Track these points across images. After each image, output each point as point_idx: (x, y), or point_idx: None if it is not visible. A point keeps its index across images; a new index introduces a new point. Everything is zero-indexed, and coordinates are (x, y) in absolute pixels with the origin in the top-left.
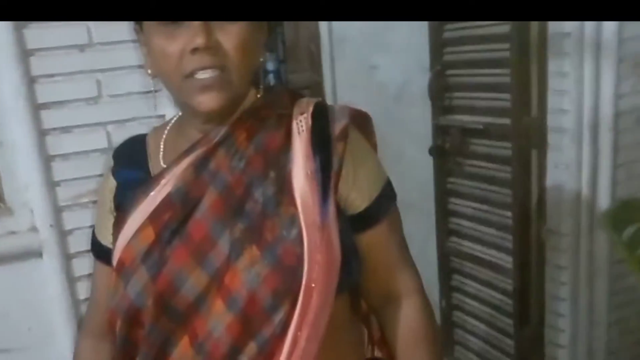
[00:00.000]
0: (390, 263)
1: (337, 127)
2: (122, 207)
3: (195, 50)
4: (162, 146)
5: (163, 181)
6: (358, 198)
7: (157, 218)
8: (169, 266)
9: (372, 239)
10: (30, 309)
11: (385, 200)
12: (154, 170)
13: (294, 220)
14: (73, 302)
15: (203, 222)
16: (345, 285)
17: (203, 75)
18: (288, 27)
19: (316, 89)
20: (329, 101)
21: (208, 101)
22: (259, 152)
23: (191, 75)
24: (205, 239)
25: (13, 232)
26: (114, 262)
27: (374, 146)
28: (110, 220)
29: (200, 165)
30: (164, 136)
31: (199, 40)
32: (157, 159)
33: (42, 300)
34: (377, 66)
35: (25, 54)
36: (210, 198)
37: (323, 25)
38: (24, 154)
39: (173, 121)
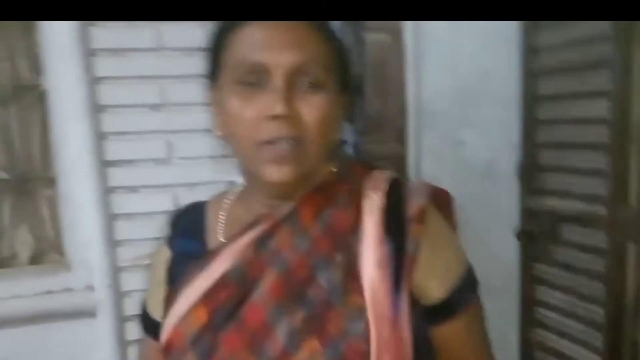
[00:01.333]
0: None
1: (414, 206)
2: (175, 281)
3: (273, 117)
4: (222, 217)
5: (220, 257)
6: (435, 287)
7: (211, 298)
8: (220, 353)
9: (450, 333)
10: None
11: (466, 290)
12: (211, 243)
13: (361, 312)
14: None
15: (260, 307)
16: None
17: (278, 145)
18: (374, 96)
19: (399, 161)
20: (412, 175)
21: (279, 174)
22: (326, 232)
23: (265, 143)
24: (261, 325)
25: (69, 289)
26: (162, 341)
27: (454, 228)
28: (161, 293)
29: (261, 243)
30: (226, 207)
31: (279, 108)
32: (216, 231)
33: None
34: (464, 142)
35: (97, 110)
36: (270, 280)
37: (411, 97)
38: (88, 211)
39: (237, 191)
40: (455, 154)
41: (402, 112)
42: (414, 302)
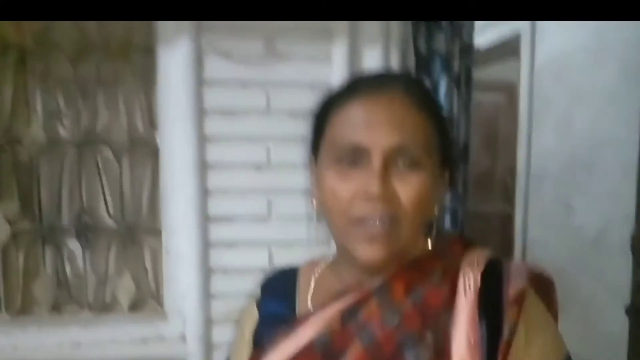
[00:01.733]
0: None
1: (512, 288)
2: (260, 342)
3: (369, 196)
4: (312, 284)
5: (307, 325)
6: None
7: None
8: None
9: None
10: None
11: None
12: (300, 309)
13: None
14: None
15: None
16: None
17: (371, 223)
18: (484, 155)
19: (506, 221)
20: (518, 237)
21: (371, 254)
22: (416, 308)
23: (359, 222)
24: None
25: (163, 338)
26: None
27: (554, 316)
28: (246, 354)
29: (349, 314)
30: (317, 274)
31: (375, 189)
32: (306, 297)
33: None
34: (574, 208)
35: (204, 167)
36: (355, 353)
37: (521, 158)
38: (188, 264)
39: (329, 258)
40: (564, 220)
41: (511, 172)
42: None
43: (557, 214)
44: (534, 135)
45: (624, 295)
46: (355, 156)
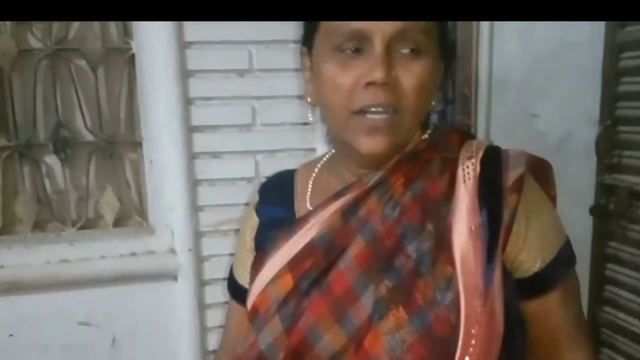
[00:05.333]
0: (561, 339)
1: (511, 175)
2: (262, 247)
3: (370, 84)
4: (310, 185)
5: (307, 225)
6: (529, 259)
7: (297, 265)
8: (305, 319)
9: (542, 308)
10: (158, 331)
11: (562, 264)
12: (299, 210)
13: (450, 282)
14: (201, 328)
15: (346, 274)
16: None
17: (374, 115)
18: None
19: None
20: None
21: (373, 144)
22: (416, 200)
23: (360, 112)
24: (347, 293)
25: (152, 252)
26: (248, 306)
27: (553, 200)
28: (249, 259)
29: (349, 211)
30: (314, 175)
31: (378, 75)
32: (304, 199)
33: (171, 324)
34: (538, 115)
35: (185, 75)
36: (357, 248)
37: (483, 68)
38: (172, 176)
39: (325, 159)
40: (528, 127)
41: (469, 83)
42: (507, 275)
43: (520, 122)
44: (496, 41)
45: (589, 197)
46: (355, 43)
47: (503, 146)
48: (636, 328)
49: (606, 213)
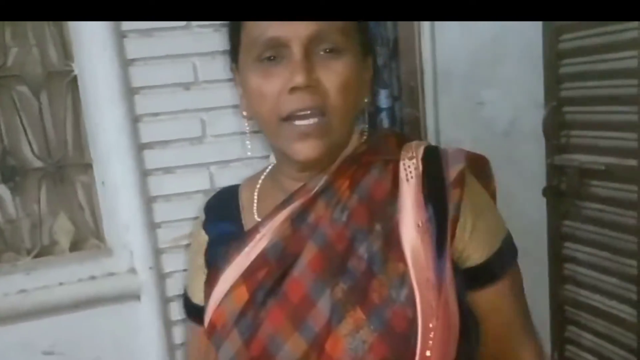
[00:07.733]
0: (507, 330)
1: (452, 171)
2: (214, 263)
3: (294, 89)
4: (256, 197)
5: (257, 236)
6: (476, 251)
7: (251, 276)
8: (264, 330)
9: (489, 298)
10: (125, 353)
11: (506, 255)
12: (247, 223)
13: (403, 278)
14: (169, 346)
15: (301, 281)
16: (464, 356)
17: (301, 121)
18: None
19: (414, 125)
20: (431, 138)
21: (307, 150)
22: (362, 203)
23: (289, 118)
24: (303, 300)
25: (112, 274)
26: (205, 323)
27: (492, 194)
28: (201, 277)
29: (298, 218)
30: (258, 187)
31: (299, 79)
32: (251, 211)
33: (138, 344)
34: (484, 102)
35: (130, 92)
36: (309, 254)
37: (427, 59)
38: (126, 195)
39: (267, 170)
40: (475, 115)
41: (414, 74)
42: (456, 269)
43: (467, 110)
44: (438, 33)
45: (540, 179)
46: (274, 51)
47: (453, 135)
48: (599, 304)
49: (559, 193)
